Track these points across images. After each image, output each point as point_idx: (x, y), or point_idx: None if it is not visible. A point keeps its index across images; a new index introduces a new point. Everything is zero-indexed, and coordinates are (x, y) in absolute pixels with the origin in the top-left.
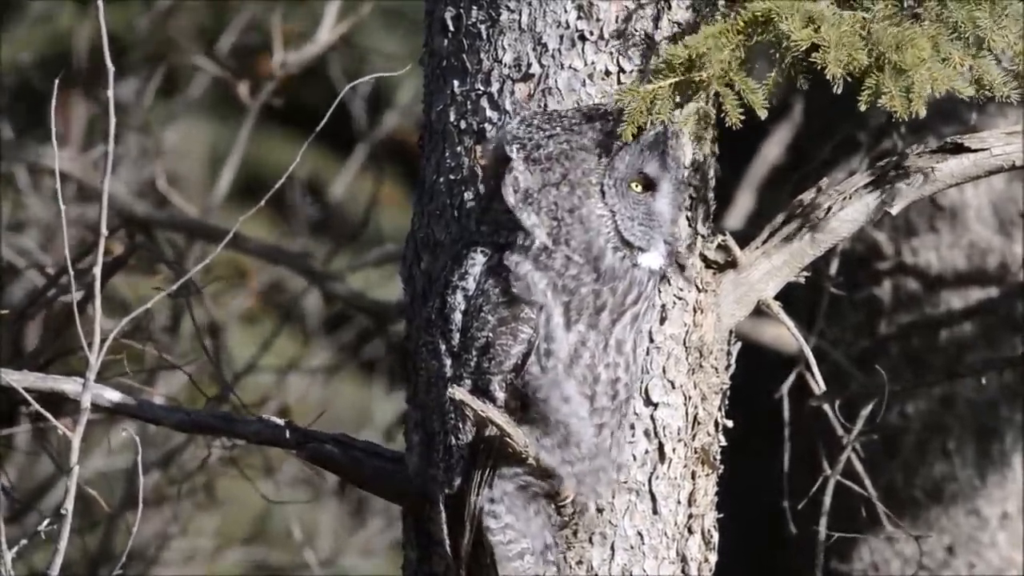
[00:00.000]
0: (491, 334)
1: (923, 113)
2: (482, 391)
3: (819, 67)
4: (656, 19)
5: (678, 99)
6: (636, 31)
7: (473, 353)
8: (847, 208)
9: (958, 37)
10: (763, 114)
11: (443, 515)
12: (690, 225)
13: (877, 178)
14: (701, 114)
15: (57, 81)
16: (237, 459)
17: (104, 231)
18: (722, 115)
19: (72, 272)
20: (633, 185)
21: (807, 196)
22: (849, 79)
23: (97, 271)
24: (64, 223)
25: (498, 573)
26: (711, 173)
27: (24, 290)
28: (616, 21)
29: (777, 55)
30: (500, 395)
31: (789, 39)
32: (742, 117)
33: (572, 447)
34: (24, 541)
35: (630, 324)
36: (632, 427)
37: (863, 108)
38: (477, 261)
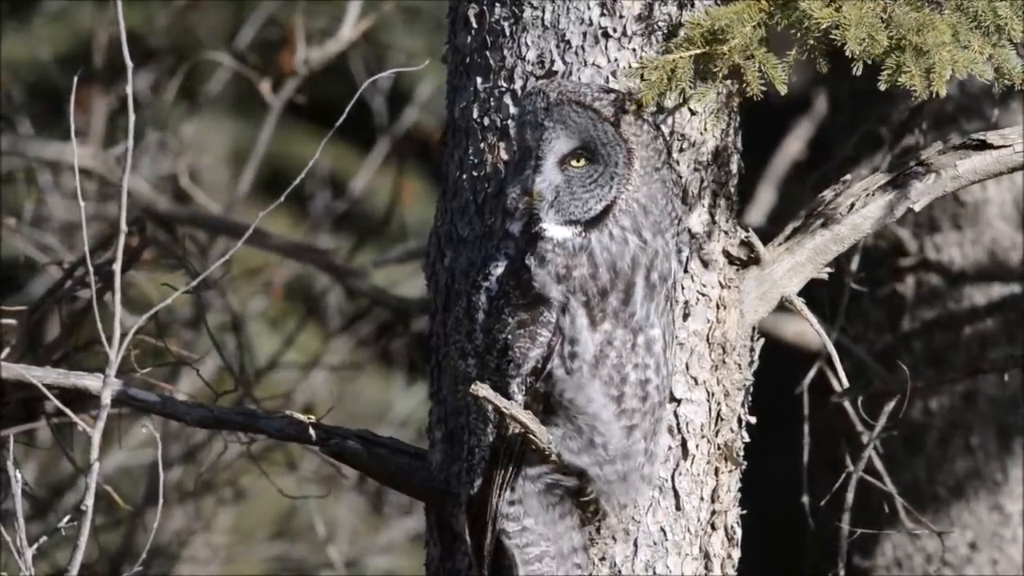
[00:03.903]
0: (510, 336)
1: (943, 93)
2: (501, 392)
3: (839, 44)
4: (680, 15)
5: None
6: (659, 28)
7: (494, 354)
8: (870, 204)
9: (978, 26)
10: (783, 90)
11: (465, 516)
12: (712, 220)
13: (900, 174)
14: (721, 91)
15: (76, 78)
16: (258, 455)
17: (124, 227)
18: (745, 96)
19: (90, 267)
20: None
21: (830, 192)
22: (869, 61)
23: (117, 267)
24: (83, 218)
25: (517, 575)
26: (733, 168)
27: (45, 286)
28: (639, 18)
29: (799, 35)
30: (519, 397)
31: (810, 18)
32: (763, 89)
33: (598, 449)
34: (44, 538)
35: (656, 316)
36: None
37: (883, 87)
38: (501, 262)
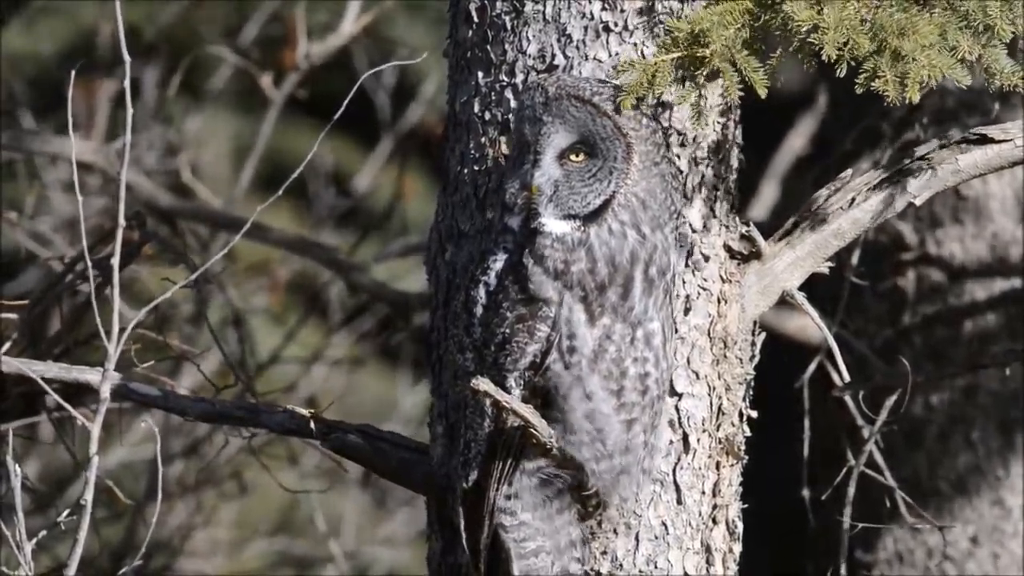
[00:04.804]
0: (508, 331)
1: (916, 99)
2: (499, 387)
3: (817, 48)
4: (681, 8)
5: (680, 74)
6: (660, 22)
7: (492, 348)
8: (871, 199)
9: (967, 25)
10: (763, 93)
11: (461, 509)
12: (712, 215)
13: (901, 169)
14: (703, 94)
15: (76, 72)
16: (259, 449)
17: (122, 221)
18: (727, 100)
19: (88, 262)
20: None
21: (831, 187)
22: (852, 63)
23: (115, 261)
24: (81, 213)
25: (512, 570)
26: (734, 163)
27: (47, 281)
28: (640, 12)
29: (783, 36)
30: (517, 392)
31: (794, 20)
32: (741, 94)
33: (596, 444)
34: (43, 532)
35: (655, 310)
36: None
37: (859, 91)
38: (499, 257)
